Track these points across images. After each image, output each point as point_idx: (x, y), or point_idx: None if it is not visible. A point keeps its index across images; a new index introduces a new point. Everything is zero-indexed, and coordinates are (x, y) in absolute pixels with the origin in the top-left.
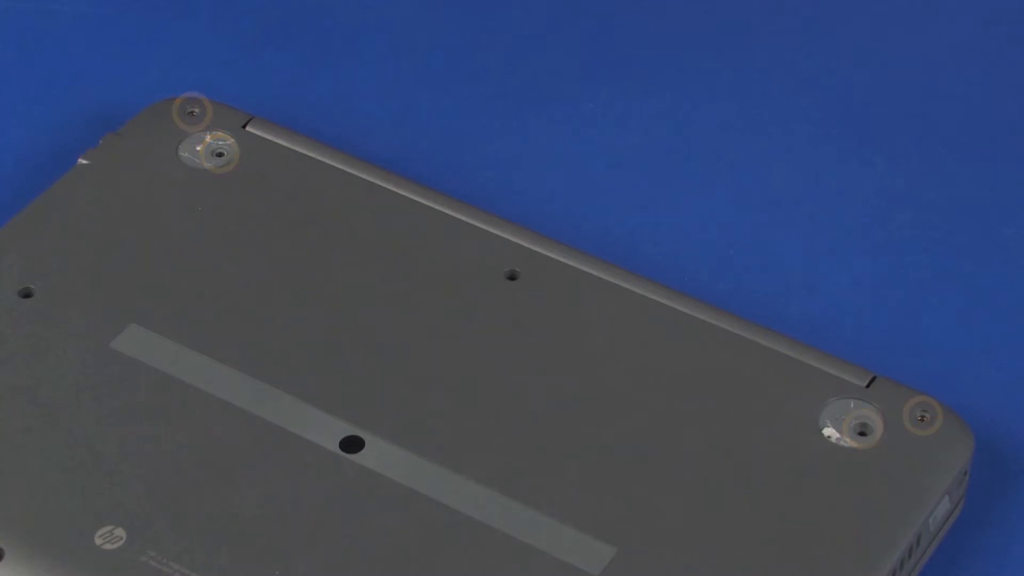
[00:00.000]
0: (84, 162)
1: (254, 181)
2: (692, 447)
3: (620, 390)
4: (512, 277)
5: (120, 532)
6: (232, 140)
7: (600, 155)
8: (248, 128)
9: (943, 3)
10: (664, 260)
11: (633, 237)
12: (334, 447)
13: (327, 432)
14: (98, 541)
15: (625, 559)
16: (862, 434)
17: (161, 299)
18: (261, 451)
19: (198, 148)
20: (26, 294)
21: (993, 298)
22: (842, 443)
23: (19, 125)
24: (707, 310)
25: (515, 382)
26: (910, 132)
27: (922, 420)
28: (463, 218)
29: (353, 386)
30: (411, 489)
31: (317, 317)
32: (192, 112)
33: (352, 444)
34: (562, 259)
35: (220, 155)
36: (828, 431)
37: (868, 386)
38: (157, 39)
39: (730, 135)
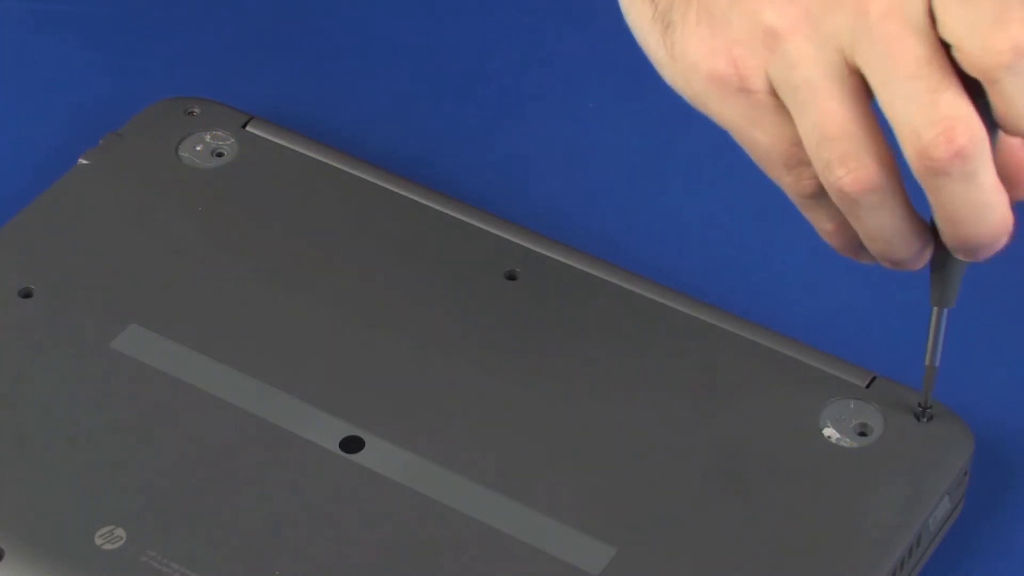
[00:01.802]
0: (84, 162)
1: (254, 181)
2: (692, 447)
3: (620, 390)
4: (512, 277)
5: (120, 532)
6: (232, 140)
7: (600, 155)
8: (248, 128)
9: None
10: (664, 260)
11: (633, 237)
12: (334, 447)
13: (327, 432)
14: (98, 541)
15: (625, 559)
16: (862, 434)
17: (161, 299)
18: (261, 451)
19: (198, 148)
20: (26, 294)
21: (993, 299)
22: (842, 443)
23: (19, 125)
24: (707, 310)
25: (515, 382)
26: None
27: (922, 420)
28: (463, 218)
29: (353, 386)
30: (411, 489)
31: (317, 317)
32: (192, 112)
33: (352, 444)
34: (562, 259)
35: (220, 155)
36: (828, 431)
37: (868, 386)
38: (157, 39)
39: (730, 135)
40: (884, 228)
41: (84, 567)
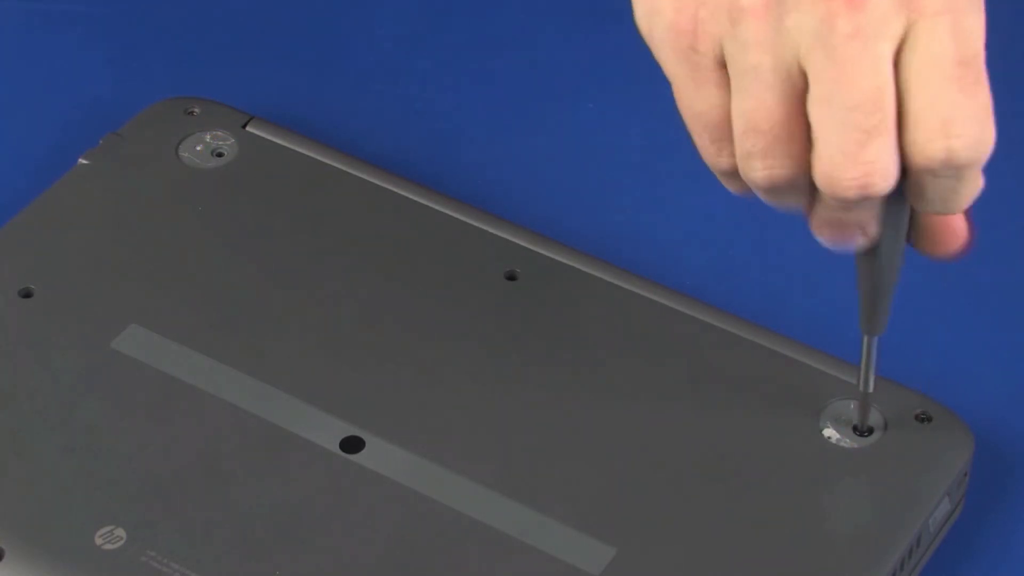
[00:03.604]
0: (84, 162)
1: (254, 181)
2: (692, 447)
3: (620, 390)
4: (512, 277)
5: (120, 532)
6: (232, 140)
7: (600, 155)
8: (248, 128)
9: None
10: (664, 260)
11: (633, 237)
12: (334, 447)
13: (327, 432)
14: (98, 541)
15: (625, 559)
16: (862, 435)
17: (161, 299)
18: (261, 451)
19: (198, 148)
20: (26, 294)
21: (993, 298)
22: (842, 444)
23: (19, 125)
24: (707, 310)
25: (515, 382)
26: None
27: (922, 421)
28: (463, 218)
29: (353, 386)
30: (411, 489)
31: (317, 317)
32: (192, 112)
33: (352, 444)
34: (562, 259)
35: (220, 155)
36: (828, 432)
37: None
38: (157, 39)
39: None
40: (793, 207)
41: (84, 567)
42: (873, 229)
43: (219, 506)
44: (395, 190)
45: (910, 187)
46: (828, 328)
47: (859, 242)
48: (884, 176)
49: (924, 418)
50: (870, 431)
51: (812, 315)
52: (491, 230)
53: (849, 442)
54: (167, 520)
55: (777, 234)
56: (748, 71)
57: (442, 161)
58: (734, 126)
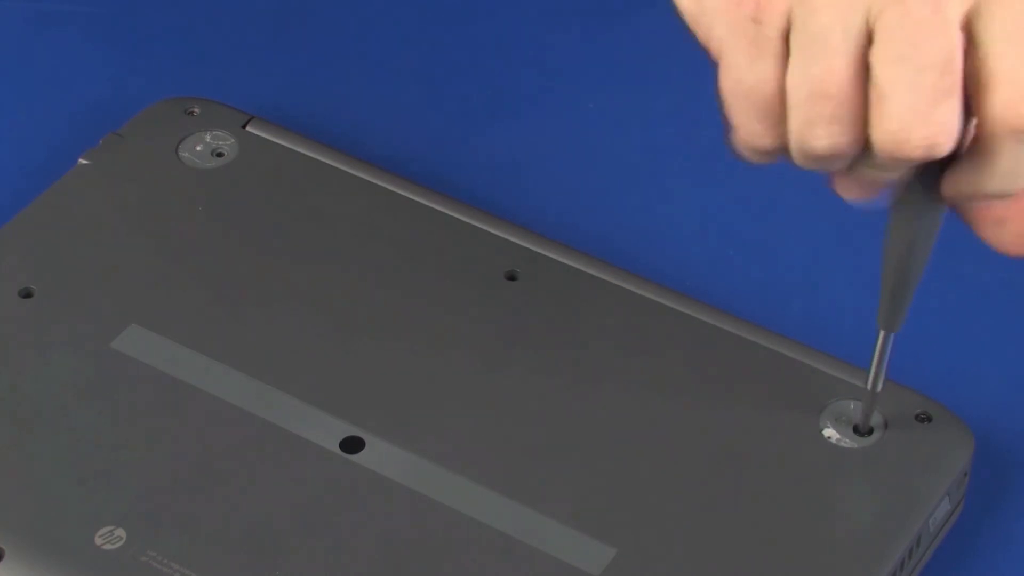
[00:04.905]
0: (84, 162)
1: (254, 181)
2: (692, 448)
3: (620, 390)
4: (512, 277)
5: (120, 532)
6: (232, 140)
7: (600, 155)
8: (248, 128)
9: None
10: (664, 260)
11: (633, 237)
12: (334, 447)
13: (327, 432)
14: (98, 541)
15: (625, 559)
16: (862, 435)
17: (161, 299)
18: (261, 451)
19: (198, 148)
20: (26, 294)
21: (993, 298)
22: (842, 444)
23: (19, 125)
24: (707, 310)
25: (514, 382)
26: None
27: (922, 421)
28: (463, 218)
29: (353, 386)
30: (411, 489)
31: (317, 317)
32: (192, 112)
33: (352, 444)
34: (562, 259)
35: (220, 155)
36: (829, 432)
37: None
38: (157, 39)
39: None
40: (827, 170)
41: (84, 567)
42: (901, 187)
43: (219, 506)
44: (395, 190)
45: (978, 159)
46: (828, 328)
47: (881, 197)
48: (949, 137)
49: (924, 418)
50: (870, 431)
51: (812, 315)
52: (491, 230)
53: (849, 442)
54: (167, 520)
55: (777, 234)
56: (817, 35)
57: (442, 161)
58: (795, 94)
